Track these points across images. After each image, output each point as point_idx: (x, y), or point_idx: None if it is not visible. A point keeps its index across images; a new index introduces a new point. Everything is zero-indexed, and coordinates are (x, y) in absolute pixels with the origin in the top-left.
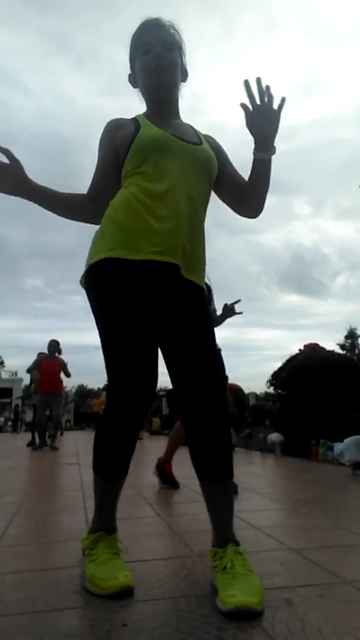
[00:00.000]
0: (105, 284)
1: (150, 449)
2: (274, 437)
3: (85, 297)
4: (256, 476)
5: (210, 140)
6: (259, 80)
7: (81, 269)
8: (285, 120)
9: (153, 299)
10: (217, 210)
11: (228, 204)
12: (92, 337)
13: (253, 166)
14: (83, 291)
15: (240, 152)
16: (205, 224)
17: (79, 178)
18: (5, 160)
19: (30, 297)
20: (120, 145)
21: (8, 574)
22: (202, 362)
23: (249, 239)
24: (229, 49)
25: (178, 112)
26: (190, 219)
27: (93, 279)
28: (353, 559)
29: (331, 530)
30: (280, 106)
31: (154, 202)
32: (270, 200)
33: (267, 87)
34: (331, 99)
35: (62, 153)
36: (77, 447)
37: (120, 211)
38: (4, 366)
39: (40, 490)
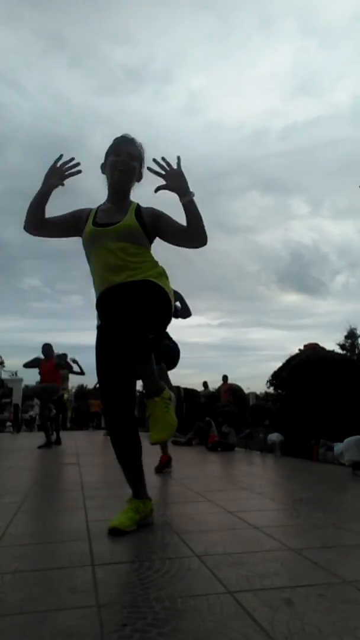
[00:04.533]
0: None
1: (151, 449)
2: (274, 437)
3: (83, 297)
4: (256, 476)
5: (145, 212)
6: (162, 158)
7: (78, 268)
8: (282, 120)
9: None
10: (215, 212)
11: (175, 243)
12: (91, 336)
13: (184, 209)
14: (82, 290)
15: (238, 151)
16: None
17: (75, 177)
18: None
19: (28, 297)
20: (80, 231)
21: (8, 574)
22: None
23: (247, 239)
24: (225, 48)
25: (127, 197)
26: (114, 276)
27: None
28: (353, 559)
29: (331, 530)
30: (178, 164)
31: (95, 283)
32: (267, 200)
33: (163, 158)
34: (328, 98)
35: (58, 152)
36: (77, 447)
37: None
38: (4, 366)
39: (40, 490)
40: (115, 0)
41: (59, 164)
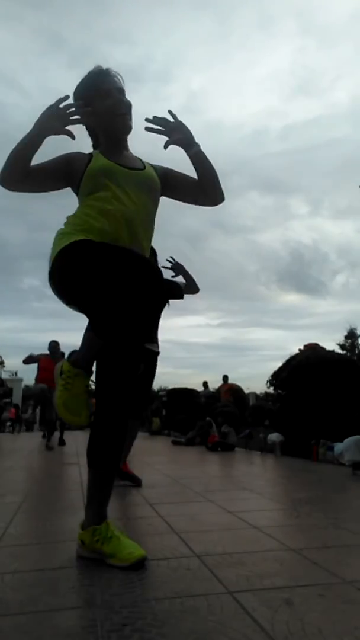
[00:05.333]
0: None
1: (150, 449)
2: (274, 437)
3: None
4: (256, 476)
5: (156, 166)
6: (154, 117)
7: None
8: (282, 120)
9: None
10: (215, 212)
11: (191, 200)
12: None
13: (192, 163)
14: None
15: (237, 151)
16: (197, 221)
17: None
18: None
19: (28, 297)
20: (74, 172)
21: (8, 574)
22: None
23: (247, 238)
24: (224, 48)
25: (127, 144)
26: (139, 227)
27: (66, 259)
28: (353, 559)
29: (331, 530)
30: (174, 116)
31: (105, 219)
32: (267, 200)
33: (159, 117)
34: (327, 98)
35: (58, 152)
36: (77, 447)
37: (76, 225)
38: (4, 366)
39: (40, 490)
40: (114, 0)
41: (62, 105)
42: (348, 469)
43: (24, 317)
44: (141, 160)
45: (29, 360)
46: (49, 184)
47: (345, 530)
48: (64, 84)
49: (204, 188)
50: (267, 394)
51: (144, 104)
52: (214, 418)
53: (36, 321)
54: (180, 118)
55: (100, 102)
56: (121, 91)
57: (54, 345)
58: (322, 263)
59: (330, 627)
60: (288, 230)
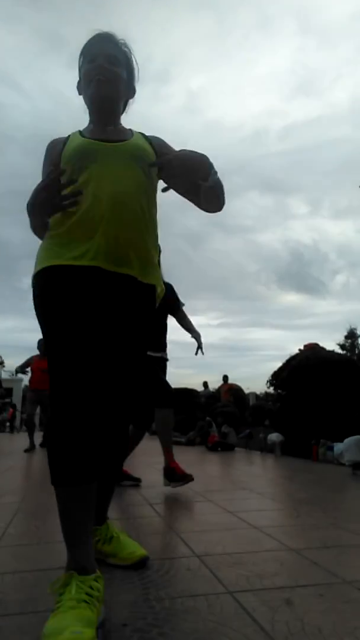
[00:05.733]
0: (45, 290)
1: (150, 449)
2: (274, 437)
3: None
4: (256, 476)
5: (153, 139)
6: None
7: None
8: (282, 120)
9: (80, 298)
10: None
11: (192, 200)
12: None
13: (202, 193)
14: None
15: (237, 151)
16: (200, 216)
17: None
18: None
19: (28, 297)
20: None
21: (8, 574)
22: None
23: (247, 238)
24: (224, 47)
25: (117, 118)
26: (119, 215)
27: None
28: (353, 559)
29: (331, 530)
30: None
31: (79, 220)
32: (267, 200)
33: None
34: (327, 98)
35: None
36: None
37: (51, 239)
38: (4, 366)
39: (40, 490)
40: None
41: (61, 190)
42: (348, 469)
43: (24, 317)
44: (132, 131)
45: (21, 368)
46: None
47: (345, 530)
48: (64, 84)
49: (204, 203)
50: (267, 394)
51: (143, 103)
52: (214, 418)
53: (36, 321)
54: (180, 119)
55: (84, 67)
56: (111, 58)
57: (42, 344)
58: (322, 263)
59: (330, 627)
60: (288, 230)
